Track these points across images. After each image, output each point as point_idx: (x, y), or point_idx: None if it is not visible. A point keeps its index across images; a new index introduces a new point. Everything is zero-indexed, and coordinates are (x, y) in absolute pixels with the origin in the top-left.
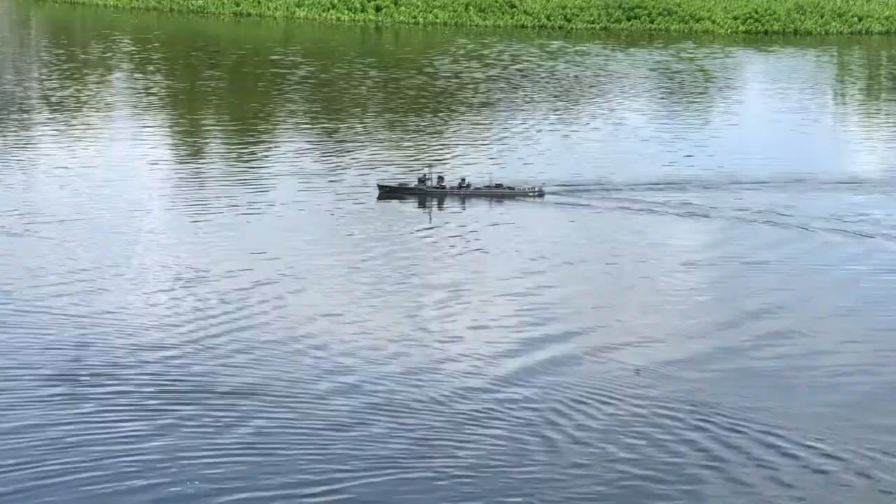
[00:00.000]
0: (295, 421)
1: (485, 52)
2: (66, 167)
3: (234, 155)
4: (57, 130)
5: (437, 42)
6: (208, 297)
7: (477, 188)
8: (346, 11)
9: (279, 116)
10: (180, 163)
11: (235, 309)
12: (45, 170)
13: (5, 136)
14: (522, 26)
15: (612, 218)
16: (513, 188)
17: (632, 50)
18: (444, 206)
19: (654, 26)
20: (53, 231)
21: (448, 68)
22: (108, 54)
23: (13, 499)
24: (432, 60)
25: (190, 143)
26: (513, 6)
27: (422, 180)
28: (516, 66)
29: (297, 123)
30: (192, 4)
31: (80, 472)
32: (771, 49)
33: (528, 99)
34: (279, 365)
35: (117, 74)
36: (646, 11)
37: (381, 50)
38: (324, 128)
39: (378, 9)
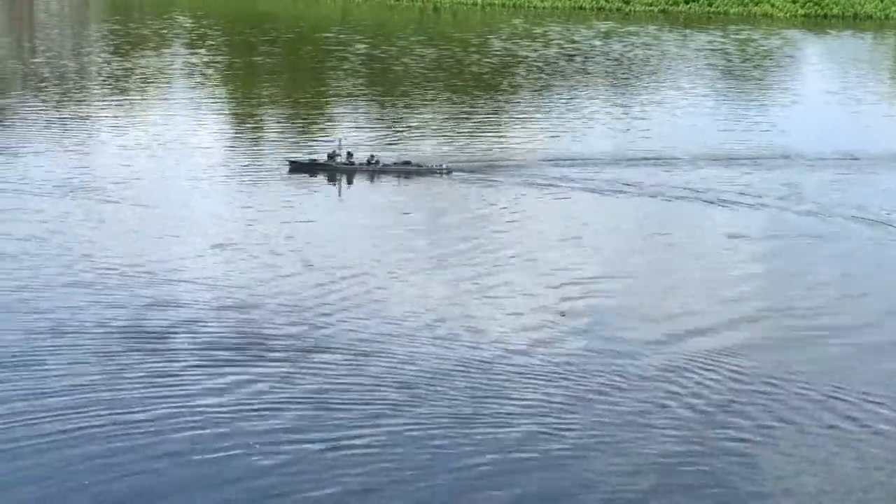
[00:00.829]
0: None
1: (541, 32)
2: (123, 140)
3: (286, 127)
4: (115, 104)
5: (493, 22)
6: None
7: (386, 165)
8: None
9: (332, 91)
10: (236, 135)
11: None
12: (103, 142)
13: (66, 109)
14: (581, 8)
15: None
16: (420, 165)
17: (689, 32)
18: (354, 181)
19: (712, 9)
20: (111, 201)
21: (502, 47)
22: (166, 30)
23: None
24: (487, 40)
25: (244, 116)
26: None
27: (331, 156)
28: (572, 46)
29: (349, 99)
30: None
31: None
32: (829, 33)
33: (581, 78)
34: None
35: (174, 50)
36: None
37: (437, 29)
38: (375, 102)
39: None
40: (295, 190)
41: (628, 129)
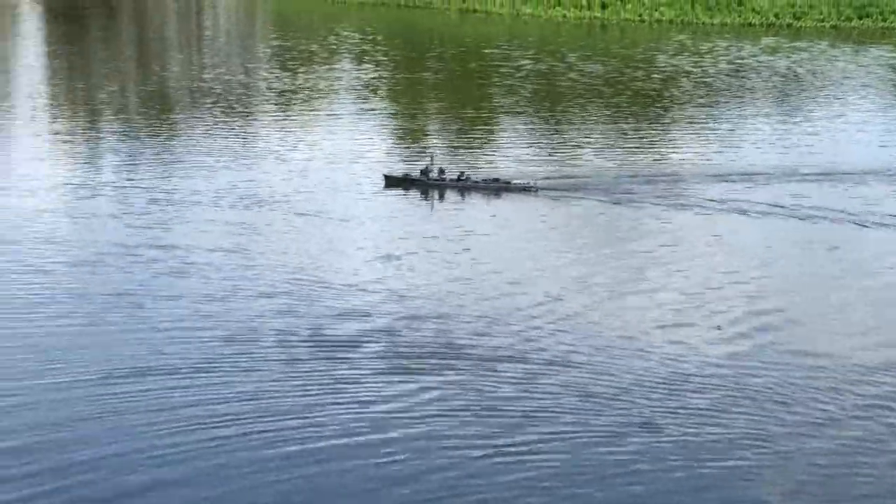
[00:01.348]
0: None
1: (707, 48)
2: (293, 152)
3: (451, 140)
4: (283, 118)
5: (660, 39)
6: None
7: (475, 181)
8: (572, 8)
9: (497, 107)
10: (398, 147)
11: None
12: (269, 154)
13: (233, 122)
14: (750, 24)
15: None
16: (509, 182)
17: (860, 48)
18: (445, 196)
19: (886, 24)
20: (275, 212)
21: (666, 63)
22: (332, 46)
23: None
24: (651, 56)
25: (407, 129)
26: (740, 3)
27: (424, 171)
28: (738, 62)
29: (515, 114)
30: (420, 0)
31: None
32: None
33: (745, 94)
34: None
35: (341, 65)
36: (878, 9)
37: (602, 46)
38: (540, 117)
39: (604, 6)
40: (419, 204)
41: (792, 146)
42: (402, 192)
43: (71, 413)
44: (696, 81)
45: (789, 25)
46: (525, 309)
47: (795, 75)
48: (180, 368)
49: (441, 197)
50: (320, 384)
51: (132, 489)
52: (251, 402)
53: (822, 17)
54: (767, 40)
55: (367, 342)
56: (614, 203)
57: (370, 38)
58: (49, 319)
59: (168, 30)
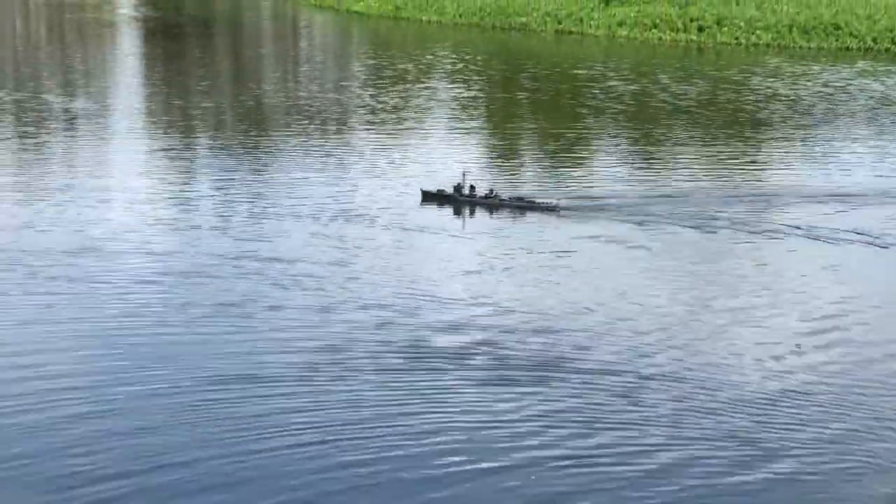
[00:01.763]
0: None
1: (801, 71)
2: (381, 168)
3: (529, 159)
4: (372, 133)
5: (756, 62)
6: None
7: (502, 199)
8: (668, 31)
9: (585, 127)
10: (494, 165)
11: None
12: (359, 169)
13: (326, 138)
14: (847, 49)
15: None
16: (533, 201)
17: None
18: (485, 213)
19: None
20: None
21: (761, 86)
22: (425, 65)
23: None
24: (748, 79)
25: (500, 148)
26: (838, 28)
27: (457, 188)
28: (836, 86)
29: (601, 134)
30: (515, 21)
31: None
32: None
33: (843, 117)
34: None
35: (431, 83)
36: None
37: (695, 68)
38: (627, 137)
39: (700, 29)
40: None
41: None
42: (437, 206)
43: (171, 419)
44: (787, 103)
45: (888, 50)
46: (616, 324)
47: (888, 99)
48: (280, 377)
49: (472, 213)
50: (417, 393)
51: (229, 494)
52: (349, 411)
53: None
54: (863, 64)
55: (464, 353)
56: (695, 224)
57: (463, 58)
58: (152, 328)
59: (264, 49)
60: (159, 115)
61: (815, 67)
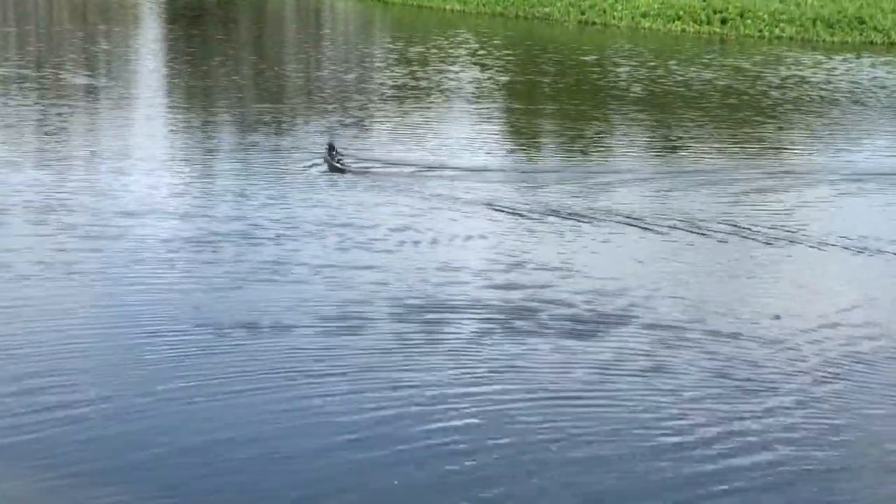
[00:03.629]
0: None
1: (814, 61)
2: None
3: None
4: (394, 114)
5: (777, 54)
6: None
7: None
8: (692, 23)
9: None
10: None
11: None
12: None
13: (345, 118)
14: (871, 43)
15: None
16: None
17: None
18: None
19: None
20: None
21: (777, 76)
22: (447, 51)
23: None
24: (765, 69)
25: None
26: (862, 22)
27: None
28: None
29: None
30: (539, 11)
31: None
32: None
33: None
34: None
35: (448, 67)
36: None
37: (714, 58)
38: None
39: (724, 21)
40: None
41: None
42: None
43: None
44: (799, 94)
45: None
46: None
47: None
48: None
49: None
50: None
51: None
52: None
53: None
54: (887, 58)
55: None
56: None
57: (482, 44)
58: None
59: (286, 33)
60: (181, 93)
61: (836, 59)
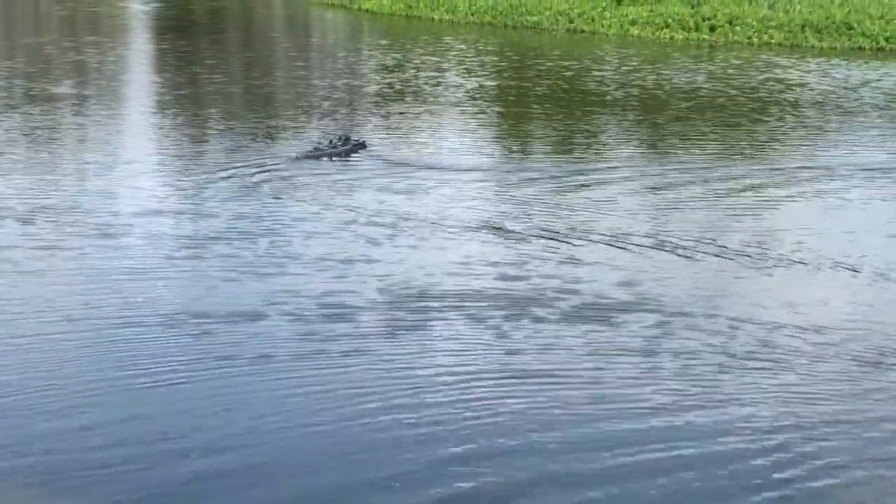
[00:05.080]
0: None
1: (793, 63)
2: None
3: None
4: (384, 119)
5: (758, 60)
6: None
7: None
8: (680, 30)
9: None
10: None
11: None
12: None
13: (337, 121)
14: (860, 48)
15: None
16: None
17: None
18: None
19: None
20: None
21: (755, 81)
22: (436, 59)
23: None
24: (745, 75)
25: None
26: (850, 28)
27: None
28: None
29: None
30: (527, 20)
31: None
32: None
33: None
34: None
35: (441, 74)
36: None
37: (699, 64)
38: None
39: (712, 28)
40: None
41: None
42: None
43: None
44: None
45: None
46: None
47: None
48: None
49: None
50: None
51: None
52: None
53: None
54: (878, 63)
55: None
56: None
57: (469, 53)
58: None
59: (275, 43)
60: (169, 102)
61: (820, 65)
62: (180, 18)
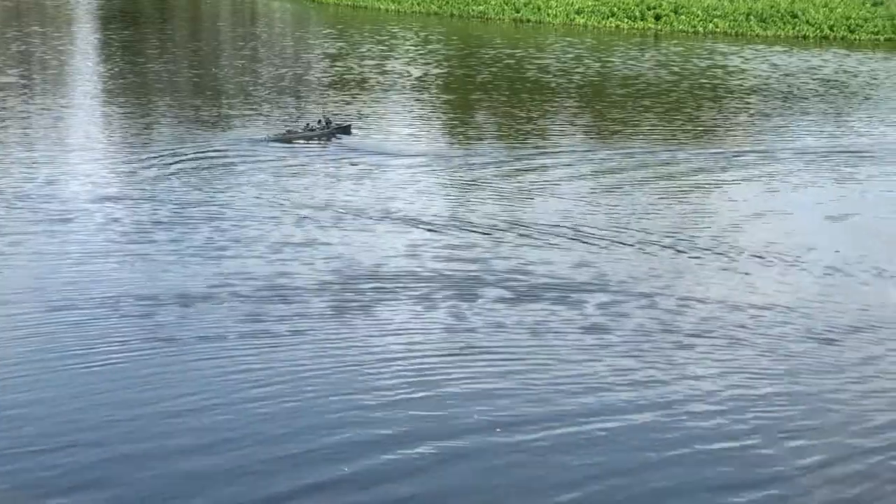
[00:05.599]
0: None
1: (735, 51)
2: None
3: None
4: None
5: (705, 49)
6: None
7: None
8: (626, 19)
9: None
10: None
11: None
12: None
13: (285, 109)
14: (804, 37)
15: None
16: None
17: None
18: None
19: None
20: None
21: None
22: (379, 47)
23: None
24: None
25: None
26: (794, 16)
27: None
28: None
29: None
30: (473, 10)
31: None
32: None
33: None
34: None
35: (380, 61)
36: None
37: (642, 54)
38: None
39: (658, 17)
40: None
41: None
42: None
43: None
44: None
45: (843, 38)
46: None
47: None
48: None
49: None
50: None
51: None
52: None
53: (876, 30)
54: (822, 52)
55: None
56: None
57: (414, 42)
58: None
59: (221, 35)
60: (114, 91)
61: (758, 52)
62: (126, 9)
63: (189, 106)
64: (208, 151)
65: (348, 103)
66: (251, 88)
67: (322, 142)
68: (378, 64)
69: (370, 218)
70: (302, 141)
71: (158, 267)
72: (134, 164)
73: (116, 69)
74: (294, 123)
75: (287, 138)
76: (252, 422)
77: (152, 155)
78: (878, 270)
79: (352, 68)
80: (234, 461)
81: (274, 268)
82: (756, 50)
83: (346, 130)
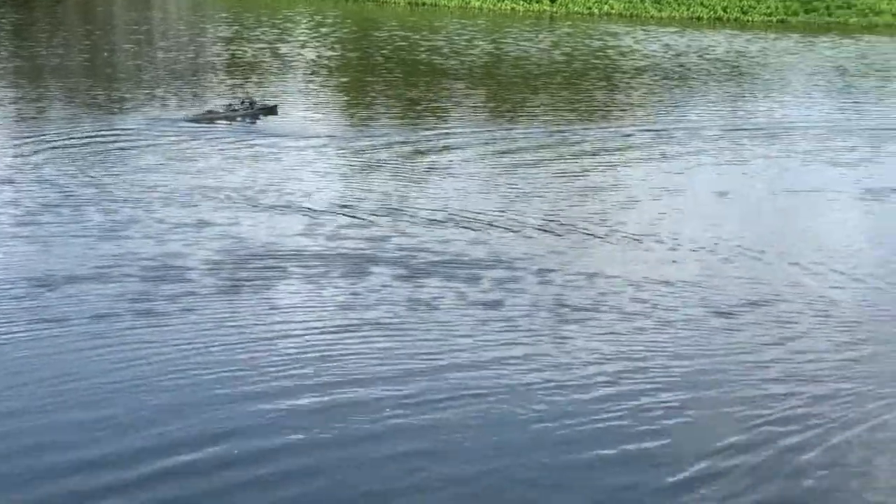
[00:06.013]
0: None
1: (625, 33)
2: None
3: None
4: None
5: (602, 30)
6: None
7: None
8: (521, 2)
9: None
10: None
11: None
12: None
13: (180, 95)
14: (698, 18)
15: None
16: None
17: (806, 42)
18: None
19: (831, 19)
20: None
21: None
22: (273, 30)
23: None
24: (576, 46)
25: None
26: None
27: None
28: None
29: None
30: None
31: None
32: None
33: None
34: None
35: (274, 44)
36: (824, 4)
37: (539, 36)
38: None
39: (553, 0)
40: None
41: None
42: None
43: None
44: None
45: (737, 20)
46: None
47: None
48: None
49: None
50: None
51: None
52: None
53: (769, 11)
54: (715, 34)
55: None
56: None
57: (310, 24)
58: None
59: (115, 15)
60: (2, 76)
61: (652, 33)
62: None
63: (81, 89)
64: (104, 133)
65: (239, 85)
66: (144, 72)
67: (246, 122)
68: (272, 47)
69: (265, 199)
70: (224, 122)
71: (45, 248)
72: (23, 148)
73: (5, 52)
74: (214, 104)
75: (208, 118)
76: (134, 401)
77: (43, 138)
78: (769, 247)
79: (246, 52)
80: (115, 441)
81: (165, 248)
82: (647, 31)
83: (272, 111)
